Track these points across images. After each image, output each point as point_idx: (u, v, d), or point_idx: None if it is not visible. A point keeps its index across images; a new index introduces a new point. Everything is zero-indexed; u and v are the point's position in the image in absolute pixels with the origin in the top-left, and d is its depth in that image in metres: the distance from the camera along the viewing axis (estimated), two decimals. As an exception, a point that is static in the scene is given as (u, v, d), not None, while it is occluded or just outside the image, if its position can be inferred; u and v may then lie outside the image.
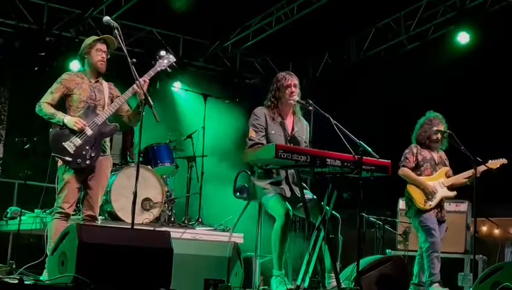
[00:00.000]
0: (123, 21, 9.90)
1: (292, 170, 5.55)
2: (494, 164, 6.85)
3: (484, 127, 9.11)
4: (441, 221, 6.88)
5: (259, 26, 10.63)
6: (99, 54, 5.79)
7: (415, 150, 6.92)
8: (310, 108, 5.55)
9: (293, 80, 5.78)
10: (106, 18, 5.61)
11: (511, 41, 8.94)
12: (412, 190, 6.85)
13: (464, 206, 8.29)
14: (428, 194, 6.80)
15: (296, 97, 5.76)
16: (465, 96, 9.51)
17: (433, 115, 7.03)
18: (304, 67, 12.26)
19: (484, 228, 9.79)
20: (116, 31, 5.51)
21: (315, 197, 5.53)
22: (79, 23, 10.20)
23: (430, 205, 6.79)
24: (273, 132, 5.69)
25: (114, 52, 5.93)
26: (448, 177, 6.95)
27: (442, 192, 6.85)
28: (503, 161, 6.86)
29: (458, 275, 8.00)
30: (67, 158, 5.54)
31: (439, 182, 6.86)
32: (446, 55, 9.96)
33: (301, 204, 5.39)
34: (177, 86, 10.83)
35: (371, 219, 8.82)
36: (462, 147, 6.63)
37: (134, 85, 5.61)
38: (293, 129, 5.82)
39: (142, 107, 5.41)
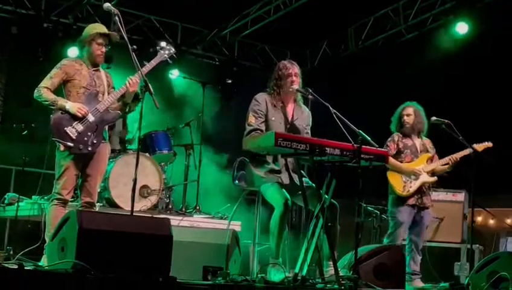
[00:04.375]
0: (121, 8, 9.81)
1: (291, 158, 5.57)
2: (479, 147, 6.88)
3: (482, 117, 9.11)
4: (422, 207, 6.94)
5: (258, 15, 10.61)
6: (99, 48, 5.80)
7: (396, 138, 7.06)
8: (310, 97, 5.57)
9: (294, 69, 5.81)
10: (106, 4, 5.59)
11: (509, 31, 8.93)
12: (391, 176, 6.93)
13: (460, 196, 8.32)
14: (409, 175, 6.86)
15: (296, 86, 5.77)
16: (464, 86, 9.52)
17: (405, 104, 7.17)
18: (302, 56, 12.24)
19: (479, 218, 9.81)
20: (116, 17, 5.49)
21: (314, 185, 5.54)
22: (77, 9, 10.16)
23: (409, 191, 6.86)
24: (273, 118, 5.71)
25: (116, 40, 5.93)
26: (429, 163, 7.01)
27: (422, 177, 6.91)
28: (489, 144, 6.88)
29: (455, 265, 8.05)
30: (68, 143, 5.53)
31: (419, 168, 6.92)
32: (445, 45, 9.96)
33: (300, 192, 5.40)
34: (175, 74, 10.81)
35: (369, 208, 8.84)
36: (461, 137, 6.66)
37: (137, 74, 5.61)
38: (293, 117, 5.84)
39: (142, 94, 5.42)
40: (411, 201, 6.89)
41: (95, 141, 5.64)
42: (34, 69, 9.16)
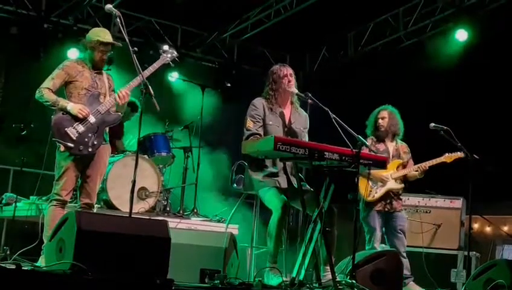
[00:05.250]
0: (122, 9, 9.83)
1: (290, 162, 5.57)
2: (449, 157, 6.88)
3: (481, 124, 9.13)
4: (391, 212, 6.92)
5: (258, 19, 10.63)
6: (101, 56, 5.81)
7: (369, 142, 6.96)
8: (310, 101, 5.58)
9: (288, 70, 5.85)
10: (108, 6, 5.60)
11: (509, 39, 8.96)
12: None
13: (458, 202, 8.32)
14: (376, 182, 6.85)
15: (295, 89, 5.79)
16: (463, 92, 9.54)
17: (380, 108, 7.15)
18: (301, 60, 12.28)
19: (476, 225, 9.83)
20: (117, 19, 5.50)
21: (312, 189, 5.56)
22: (78, 10, 10.17)
23: (374, 196, 6.87)
24: (270, 122, 5.72)
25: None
26: (399, 170, 7.00)
27: (389, 184, 6.91)
28: (460, 154, 6.86)
29: (451, 271, 8.05)
30: (69, 144, 5.54)
31: (387, 174, 6.91)
32: (444, 52, 9.97)
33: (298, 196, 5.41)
34: (174, 76, 10.82)
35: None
36: (459, 144, 6.67)
37: (139, 76, 5.61)
38: (290, 120, 5.85)
39: (142, 96, 5.42)
40: (378, 207, 6.90)
41: (95, 142, 5.64)
42: (33, 69, 9.18)
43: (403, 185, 6.99)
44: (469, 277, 5.95)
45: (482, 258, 8.51)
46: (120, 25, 5.46)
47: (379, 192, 6.89)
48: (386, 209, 6.90)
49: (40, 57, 9.87)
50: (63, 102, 5.62)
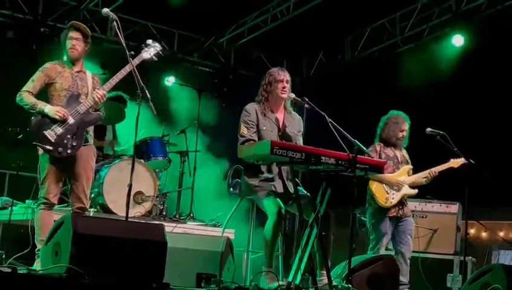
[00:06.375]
0: (119, 13, 9.79)
1: (285, 166, 5.57)
2: (456, 162, 6.89)
3: (477, 130, 9.14)
4: (403, 217, 6.89)
5: (255, 23, 10.65)
6: (70, 42, 5.78)
7: (378, 148, 6.94)
8: (306, 106, 5.58)
9: (286, 76, 5.79)
10: (105, 10, 5.60)
11: (505, 45, 8.98)
12: (374, 186, 6.84)
13: (454, 207, 8.31)
14: (394, 186, 6.82)
15: (292, 94, 5.78)
16: (459, 98, 9.55)
17: (396, 113, 7.07)
18: (298, 65, 12.29)
19: (472, 231, 9.83)
20: (114, 23, 5.50)
21: (308, 194, 5.55)
22: (74, 15, 10.17)
23: (392, 202, 6.82)
24: (264, 128, 5.70)
25: (113, 46, 5.93)
26: (409, 175, 6.99)
27: (404, 190, 6.88)
28: (463, 160, 6.87)
29: (447, 276, 8.04)
30: (47, 147, 5.50)
31: (402, 179, 6.89)
32: (440, 58, 9.99)
33: (294, 201, 5.41)
34: (171, 81, 10.82)
35: (362, 217, 8.82)
36: (456, 149, 6.67)
37: (118, 74, 5.59)
38: (284, 124, 5.83)
39: (139, 99, 5.39)
40: (392, 213, 6.82)
41: (74, 144, 5.59)
42: (29, 73, 9.12)
43: (416, 191, 6.97)
44: (465, 281, 5.94)
45: (478, 263, 8.50)
46: (117, 29, 5.45)
47: (396, 197, 6.83)
48: (399, 215, 6.86)
49: (36, 60, 9.84)
50: (41, 105, 5.58)
